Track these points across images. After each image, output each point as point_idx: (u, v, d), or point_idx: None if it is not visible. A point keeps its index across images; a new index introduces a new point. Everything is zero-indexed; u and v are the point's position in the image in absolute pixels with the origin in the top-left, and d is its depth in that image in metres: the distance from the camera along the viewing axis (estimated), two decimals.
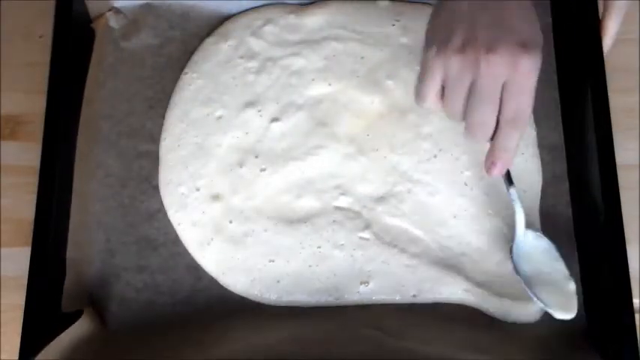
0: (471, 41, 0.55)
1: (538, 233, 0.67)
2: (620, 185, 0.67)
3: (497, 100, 0.56)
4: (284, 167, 0.71)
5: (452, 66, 0.56)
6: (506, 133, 0.57)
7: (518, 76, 0.55)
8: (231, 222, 0.70)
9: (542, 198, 0.71)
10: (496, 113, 0.57)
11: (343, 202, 0.70)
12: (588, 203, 0.69)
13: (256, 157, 0.72)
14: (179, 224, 0.71)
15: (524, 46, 0.55)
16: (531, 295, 0.64)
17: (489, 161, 0.59)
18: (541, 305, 0.63)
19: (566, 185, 0.71)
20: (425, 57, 0.58)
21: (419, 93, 0.59)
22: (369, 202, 0.70)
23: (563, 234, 0.70)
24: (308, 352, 0.61)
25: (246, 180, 0.72)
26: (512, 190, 0.65)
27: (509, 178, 0.64)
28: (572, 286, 0.64)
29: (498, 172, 0.60)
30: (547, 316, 0.66)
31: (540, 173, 0.72)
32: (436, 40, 0.57)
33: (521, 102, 0.56)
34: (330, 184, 0.71)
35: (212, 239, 0.70)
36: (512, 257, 0.66)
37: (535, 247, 0.66)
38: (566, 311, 0.63)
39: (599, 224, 0.67)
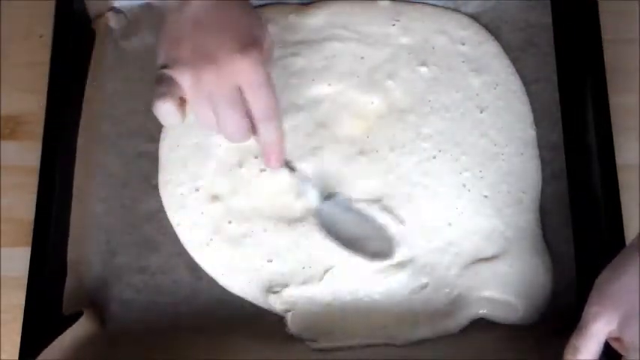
0: (194, 54, 0.56)
1: (334, 201, 0.69)
2: (620, 185, 0.67)
3: (237, 105, 0.57)
4: (283, 169, 0.71)
5: (183, 82, 0.56)
6: (264, 129, 0.59)
7: (246, 78, 0.56)
8: (230, 222, 0.70)
9: (542, 198, 0.71)
10: (241, 115, 0.57)
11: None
12: (588, 203, 0.69)
13: (256, 157, 0.72)
14: (178, 224, 0.71)
15: (243, 48, 0.56)
16: (350, 252, 0.67)
17: (265, 157, 0.61)
18: (362, 258, 0.67)
19: (566, 185, 0.71)
20: (158, 73, 0.57)
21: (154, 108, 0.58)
22: (367, 205, 0.70)
23: (563, 234, 0.70)
24: None
25: (246, 180, 0.71)
26: (298, 174, 0.67)
27: (289, 166, 0.66)
28: (382, 233, 0.68)
29: (276, 163, 0.61)
30: (547, 317, 0.66)
31: (540, 173, 0.72)
32: (163, 53, 0.58)
33: (262, 100, 0.58)
34: (329, 187, 0.71)
35: (211, 239, 0.70)
36: (318, 227, 0.68)
37: (339, 213, 0.68)
38: (381, 257, 0.67)
39: (599, 224, 0.67)
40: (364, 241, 0.68)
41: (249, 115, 0.58)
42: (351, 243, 0.68)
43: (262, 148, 0.60)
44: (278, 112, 0.59)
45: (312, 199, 0.69)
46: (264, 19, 0.61)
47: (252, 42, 0.57)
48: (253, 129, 0.59)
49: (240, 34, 0.57)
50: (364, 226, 0.69)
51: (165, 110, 0.56)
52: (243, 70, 0.56)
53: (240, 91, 0.57)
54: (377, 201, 0.70)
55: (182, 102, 0.57)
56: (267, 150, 0.61)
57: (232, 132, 0.58)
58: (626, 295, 0.53)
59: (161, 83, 0.57)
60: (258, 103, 0.58)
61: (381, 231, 0.68)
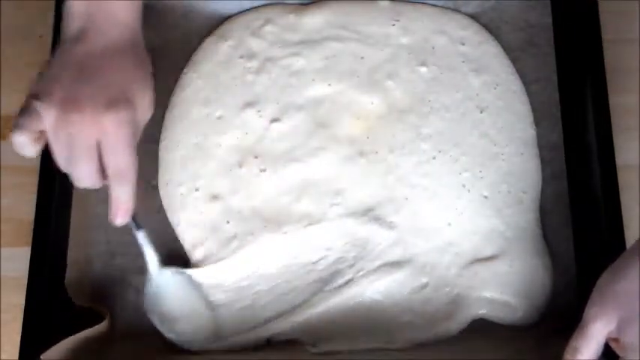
0: (66, 96, 0.56)
1: (175, 270, 0.68)
2: (620, 185, 0.67)
3: (93, 156, 0.57)
4: (284, 168, 0.71)
5: (46, 119, 0.56)
6: (115, 186, 0.59)
7: (106, 135, 0.56)
8: (228, 222, 0.70)
9: (542, 198, 0.71)
10: (94, 167, 0.57)
11: (340, 210, 0.70)
12: (588, 203, 0.69)
13: (256, 157, 0.72)
14: (177, 224, 0.71)
15: (110, 104, 0.56)
16: (162, 331, 0.66)
17: (112, 212, 0.61)
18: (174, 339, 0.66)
19: (566, 185, 0.71)
20: (25, 101, 0.57)
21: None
22: (364, 212, 0.70)
23: (563, 234, 0.70)
24: None
25: (246, 180, 0.71)
26: (140, 234, 0.65)
27: (136, 223, 0.65)
28: (208, 316, 0.67)
29: (121, 220, 0.61)
30: (547, 317, 0.66)
31: (540, 173, 0.72)
32: (39, 82, 0.58)
33: (118, 159, 0.57)
34: (329, 187, 0.71)
35: (207, 239, 0.70)
36: (145, 297, 0.66)
37: (174, 283, 0.67)
38: (197, 345, 0.66)
39: (599, 224, 0.67)
40: (183, 319, 0.67)
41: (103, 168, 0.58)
42: (173, 320, 0.67)
43: (111, 202, 0.60)
44: (131, 175, 0.59)
45: (152, 262, 0.67)
46: (150, 77, 0.61)
47: (122, 99, 0.57)
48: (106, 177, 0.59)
49: (113, 88, 0.57)
50: (187, 304, 0.67)
51: (19, 142, 0.57)
52: (105, 127, 0.56)
53: (98, 145, 0.57)
54: (368, 211, 0.70)
55: (41, 135, 0.57)
56: (114, 206, 0.60)
57: (80, 179, 0.58)
58: (626, 297, 0.54)
59: (23, 114, 0.57)
60: (113, 162, 0.57)
61: (203, 314, 0.67)
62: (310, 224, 0.70)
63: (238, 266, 0.69)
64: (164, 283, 0.67)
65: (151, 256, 0.66)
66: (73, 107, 0.55)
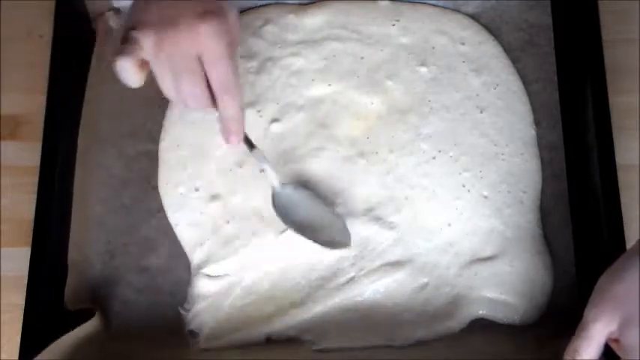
0: (159, 18, 0.57)
1: (294, 185, 0.69)
2: (620, 185, 0.67)
3: (196, 71, 0.57)
4: (283, 169, 0.71)
5: (145, 44, 0.57)
6: (223, 102, 0.59)
7: (204, 47, 0.57)
8: (228, 222, 0.70)
9: (542, 198, 0.71)
10: (200, 83, 0.58)
11: (340, 211, 0.70)
12: (588, 203, 0.69)
13: None
14: (177, 224, 0.71)
15: (203, 15, 0.56)
16: (306, 238, 0.66)
17: (224, 133, 0.61)
18: (319, 245, 0.66)
19: (566, 185, 0.71)
20: (123, 34, 0.58)
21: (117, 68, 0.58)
22: (364, 212, 0.70)
23: (563, 234, 0.70)
24: None
25: (246, 180, 0.71)
26: (257, 152, 0.66)
27: (249, 143, 0.65)
28: (341, 223, 0.68)
29: (235, 140, 0.61)
30: (547, 317, 0.66)
31: (540, 173, 0.72)
32: (132, 15, 0.58)
33: (220, 71, 0.58)
34: (329, 188, 0.71)
35: (207, 239, 0.70)
36: (274, 209, 0.67)
37: (298, 198, 0.68)
38: (341, 246, 0.67)
39: (599, 224, 0.67)
40: (320, 229, 0.68)
41: (209, 86, 0.58)
42: (305, 229, 0.67)
43: (221, 122, 0.60)
44: (236, 87, 0.59)
45: (272, 180, 0.68)
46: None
47: (213, 10, 0.57)
48: (214, 101, 0.59)
49: (203, 2, 0.57)
50: (321, 214, 0.68)
51: (124, 67, 0.57)
52: (202, 38, 0.56)
53: (200, 60, 0.57)
54: (369, 211, 0.70)
55: (144, 64, 0.58)
56: (225, 125, 0.60)
57: (187, 98, 0.59)
58: (626, 298, 0.54)
59: (124, 43, 0.57)
60: (215, 75, 0.58)
61: (338, 221, 0.68)
62: None
63: (239, 265, 0.69)
64: (289, 197, 0.68)
65: (272, 173, 0.67)
66: (167, 26, 0.56)
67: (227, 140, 0.61)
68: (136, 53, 0.57)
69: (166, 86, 0.59)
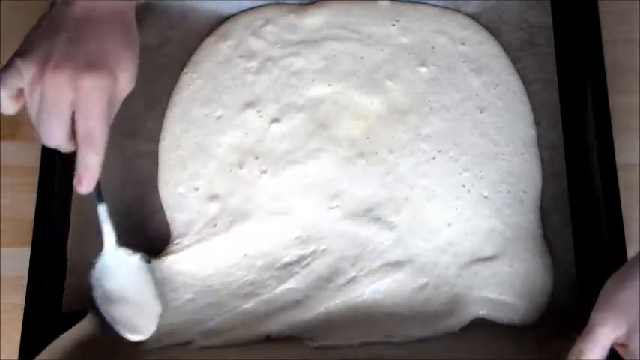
0: (45, 54, 0.56)
1: (133, 253, 0.66)
2: (620, 185, 0.67)
3: (64, 115, 0.56)
4: (284, 170, 0.71)
5: (26, 77, 0.56)
6: (82, 152, 0.58)
7: (82, 95, 0.56)
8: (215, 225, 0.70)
9: (542, 198, 0.71)
10: (64, 127, 0.57)
11: (340, 211, 0.70)
12: (588, 203, 0.69)
13: (256, 158, 0.72)
14: (172, 224, 0.71)
15: (91, 66, 0.56)
16: (99, 313, 0.63)
17: (76, 179, 0.60)
18: (112, 325, 0.63)
19: (566, 185, 0.71)
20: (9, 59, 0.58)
21: None
22: (364, 213, 0.70)
23: (563, 234, 0.70)
24: None
25: (246, 182, 0.71)
26: (101, 207, 0.64)
27: (99, 195, 0.64)
28: (155, 310, 0.65)
29: (85, 189, 0.60)
30: (547, 317, 0.66)
31: (540, 173, 0.72)
32: (23, 42, 0.58)
33: (89, 124, 0.57)
34: (329, 188, 0.71)
35: (202, 240, 0.70)
36: (92, 272, 0.64)
37: (126, 266, 0.66)
38: (135, 332, 0.64)
39: (599, 224, 0.67)
40: (129, 306, 0.65)
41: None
42: (113, 301, 0.65)
43: (77, 168, 0.59)
44: (101, 142, 0.58)
45: (108, 238, 0.65)
46: (136, 55, 0.61)
47: (103, 65, 0.57)
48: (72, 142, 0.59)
49: (96, 54, 0.57)
50: (140, 293, 0.66)
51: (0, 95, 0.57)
52: (81, 91, 0.56)
53: (72, 106, 0.56)
54: (368, 212, 0.70)
55: (20, 93, 0.57)
56: (80, 172, 0.59)
57: (48, 136, 0.58)
58: (633, 303, 0.54)
59: (5, 70, 0.57)
60: (83, 126, 0.57)
61: (154, 307, 0.66)
62: (310, 224, 0.70)
63: (233, 262, 0.69)
64: (117, 262, 0.65)
65: (109, 232, 0.65)
66: (52, 65, 0.55)
67: (77, 187, 0.60)
68: (15, 82, 0.56)
69: (32, 116, 0.57)
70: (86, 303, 0.67)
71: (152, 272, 0.67)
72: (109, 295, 0.65)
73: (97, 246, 0.65)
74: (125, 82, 0.59)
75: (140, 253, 0.66)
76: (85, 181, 0.60)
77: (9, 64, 0.57)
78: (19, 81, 0.56)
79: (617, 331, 0.54)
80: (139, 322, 0.65)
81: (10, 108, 0.58)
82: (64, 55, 0.56)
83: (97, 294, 0.64)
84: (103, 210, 0.64)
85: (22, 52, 0.57)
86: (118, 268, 0.65)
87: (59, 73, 0.55)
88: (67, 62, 0.56)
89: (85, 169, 0.59)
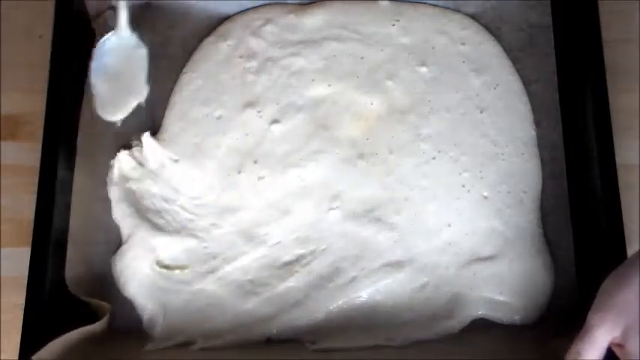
0: None
1: (140, 42, 0.68)
2: (620, 185, 0.67)
3: None
4: (283, 175, 0.71)
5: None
6: None
7: None
8: (214, 225, 0.70)
9: (542, 198, 0.71)
10: None
11: (340, 211, 0.70)
12: (588, 203, 0.69)
13: (255, 162, 0.72)
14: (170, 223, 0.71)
15: None
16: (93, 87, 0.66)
17: None
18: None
19: (566, 185, 0.71)
20: None
21: None
22: (364, 213, 0.70)
23: (563, 234, 0.70)
24: None
25: (243, 186, 0.71)
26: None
27: None
28: (140, 96, 0.67)
29: None
30: (547, 317, 0.66)
31: (540, 173, 0.72)
32: None
33: None
34: (329, 189, 0.71)
35: (202, 239, 0.70)
36: (99, 43, 0.66)
37: (130, 48, 0.68)
38: (109, 113, 0.67)
39: (599, 224, 0.67)
40: (117, 84, 0.68)
41: None
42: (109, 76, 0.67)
43: None
44: None
45: (122, 18, 0.67)
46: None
47: None
48: None
49: None
50: (130, 73, 0.68)
51: None
52: None
53: None
54: (369, 212, 0.70)
55: None
56: None
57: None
58: (631, 305, 0.54)
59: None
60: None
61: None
62: (310, 224, 0.70)
63: (235, 263, 0.69)
64: (123, 43, 0.67)
65: (124, 11, 0.67)
66: None
67: None
68: None
69: None
70: (85, 295, 0.67)
71: (148, 61, 0.68)
72: (105, 69, 0.67)
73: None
74: None
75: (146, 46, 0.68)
76: None
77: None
78: None
79: (614, 331, 0.54)
80: (118, 104, 0.67)
81: None
82: None
83: (95, 65, 0.67)
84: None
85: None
86: (122, 48, 0.67)
87: None
88: None
89: None
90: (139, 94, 0.68)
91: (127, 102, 0.68)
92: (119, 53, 0.67)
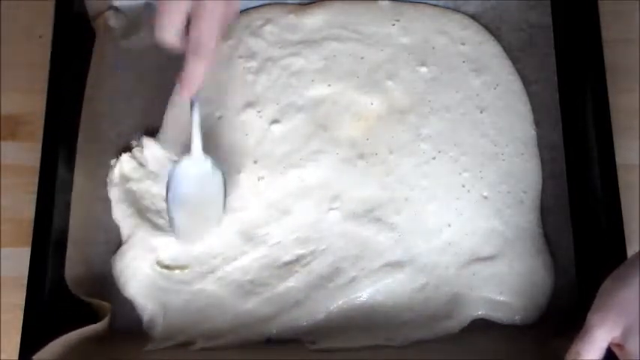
0: None
1: (215, 166, 0.67)
2: (620, 185, 0.67)
3: (180, 15, 0.59)
4: (283, 175, 0.71)
5: None
6: (191, 57, 0.61)
7: (200, 3, 0.59)
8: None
9: (542, 198, 0.71)
10: (179, 21, 0.59)
11: (340, 212, 0.70)
12: (588, 203, 0.69)
13: (255, 162, 0.72)
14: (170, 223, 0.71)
15: None
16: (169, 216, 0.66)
17: (180, 85, 0.62)
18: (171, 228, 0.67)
19: (566, 185, 0.71)
20: None
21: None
22: (364, 213, 0.70)
23: (563, 234, 0.70)
24: None
25: (243, 187, 0.71)
26: (195, 114, 0.66)
27: (195, 101, 0.65)
28: (216, 224, 0.68)
29: (187, 93, 0.63)
30: (547, 317, 0.66)
31: (540, 173, 0.72)
32: None
33: (202, 30, 0.59)
34: (329, 189, 0.71)
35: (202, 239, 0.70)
36: (172, 171, 0.66)
37: (206, 175, 0.67)
38: (185, 240, 0.68)
39: (599, 224, 0.67)
40: (194, 214, 0.68)
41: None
42: (184, 204, 0.67)
43: (182, 74, 0.62)
44: (209, 51, 0.60)
45: (196, 143, 0.66)
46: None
47: None
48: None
49: None
50: (207, 201, 0.68)
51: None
52: None
53: (189, 12, 0.59)
54: (369, 212, 0.70)
55: None
56: (185, 78, 0.62)
57: (162, 26, 0.60)
58: (631, 305, 0.54)
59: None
60: (196, 32, 0.60)
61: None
62: (310, 225, 0.70)
63: (235, 264, 0.69)
64: (198, 170, 0.67)
65: (197, 137, 0.66)
66: None
67: (181, 91, 0.63)
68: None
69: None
70: (85, 295, 0.67)
71: (225, 188, 0.68)
72: (180, 198, 0.67)
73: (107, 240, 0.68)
74: (234, 9, 0.62)
75: (222, 170, 0.68)
76: (187, 86, 0.62)
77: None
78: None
79: (613, 332, 0.54)
80: (195, 231, 0.68)
81: None
82: None
83: (171, 195, 0.66)
84: (196, 116, 0.66)
85: None
86: (198, 176, 0.67)
87: None
88: None
89: (190, 74, 0.61)
90: (216, 221, 0.69)
91: (206, 230, 0.69)
92: (196, 181, 0.67)
